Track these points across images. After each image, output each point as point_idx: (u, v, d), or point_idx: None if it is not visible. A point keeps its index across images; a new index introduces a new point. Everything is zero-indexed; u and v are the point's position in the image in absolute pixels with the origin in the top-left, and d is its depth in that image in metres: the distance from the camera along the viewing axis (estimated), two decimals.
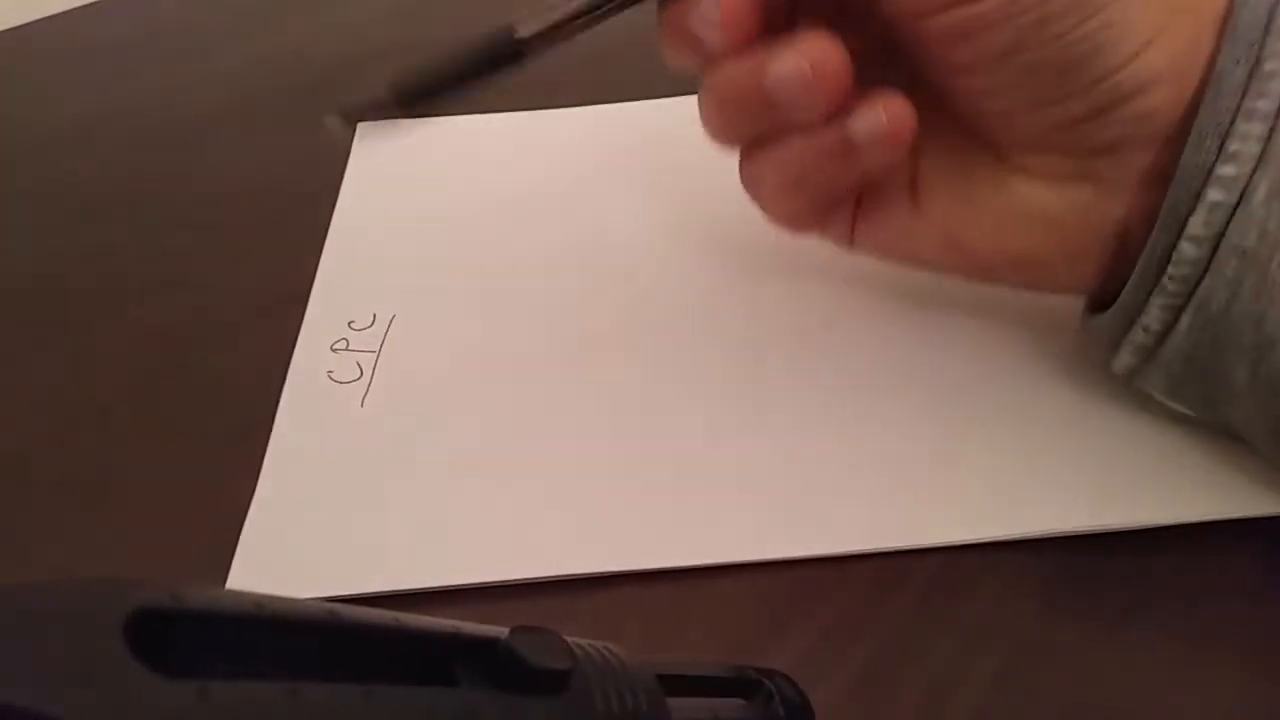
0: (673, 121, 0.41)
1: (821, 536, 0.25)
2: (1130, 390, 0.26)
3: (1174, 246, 0.23)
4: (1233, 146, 0.22)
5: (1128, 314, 0.24)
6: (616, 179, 0.38)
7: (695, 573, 0.24)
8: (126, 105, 0.47)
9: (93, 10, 0.57)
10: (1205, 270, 0.22)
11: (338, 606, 0.13)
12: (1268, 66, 0.21)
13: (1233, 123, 0.22)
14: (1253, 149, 0.21)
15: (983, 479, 0.26)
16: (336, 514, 0.26)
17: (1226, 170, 0.22)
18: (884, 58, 0.25)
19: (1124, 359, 0.25)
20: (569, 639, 0.15)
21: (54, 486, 0.28)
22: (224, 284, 0.35)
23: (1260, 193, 0.22)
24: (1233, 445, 0.25)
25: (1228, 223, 0.22)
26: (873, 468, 0.26)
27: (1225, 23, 0.22)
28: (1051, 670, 0.22)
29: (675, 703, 0.16)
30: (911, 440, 0.27)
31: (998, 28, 0.22)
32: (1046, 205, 0.25)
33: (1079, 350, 0.29)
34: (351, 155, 0.41)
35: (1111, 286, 0.25)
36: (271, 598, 0.12)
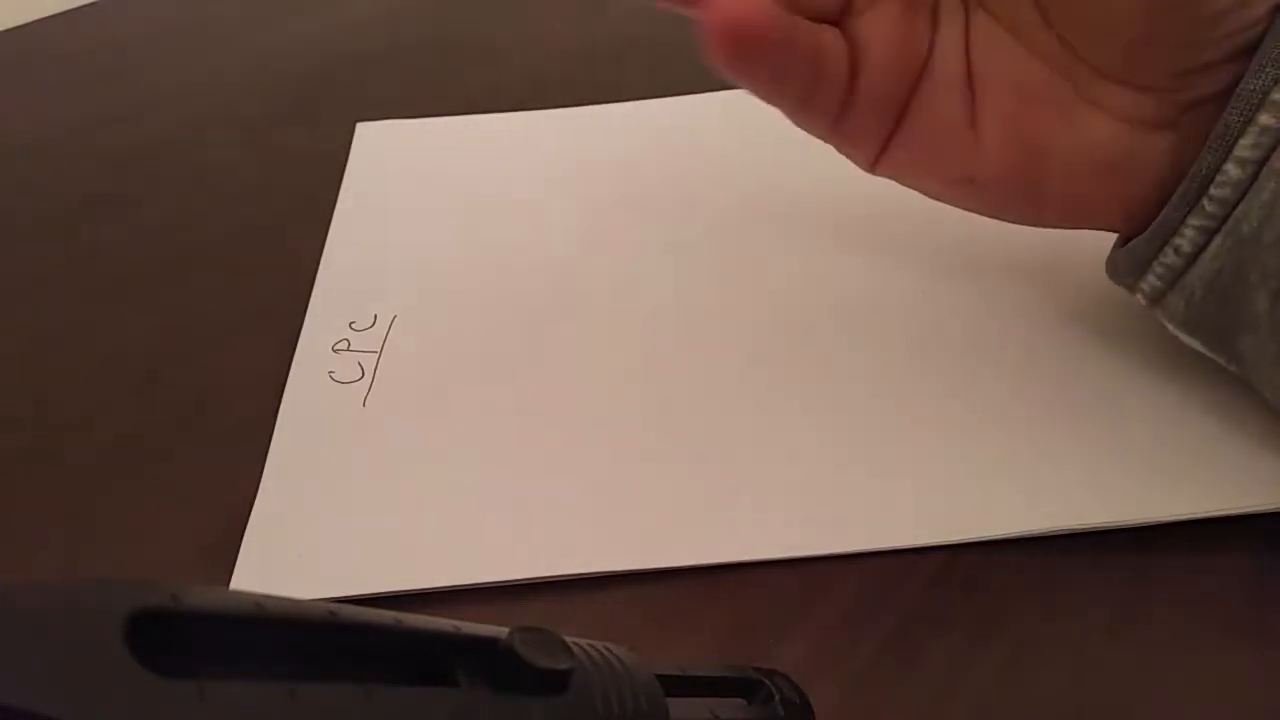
0: (672, 122, 0.41)
1: (822, 536, 0.25)
2: (1151, 317, 0.26)
3: (1219, 168, 0.23)
4: None
5: (1162, 235, 0.24)
6: (615, 179, 0.38)
7: (696, 572, 0.24)
8: (126, 105, 0.48)
9: (93, 10, 0.57)
10: (1245, 193, 0.23)
11: (338, 606, 0.13)
12: None
13: None
14: None
15: (979, 479, 0.26)
16: (339, 514, 0.26)
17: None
18: None
19: (1150, 281, 0.25)
20: (569, 639, 0.15)
21: (54, 486, 0.28)
22: (224, 284, 0.35)
23: None
24: (1228, 440, 0.26)
25: (1274, 147, 0.22)
26: (873, 467, 0.26)
27: None
28: (1051, 670, 0.22)
29: (675, 703, 0.16)
30: (912, 440, 0.27)
31: None
32: (1120, 147, 0.24)
33: (1070, 352, 0.29)
34: (351, 155, 0.41)
35: (1149, 220, 0.25)
36: (271, 598, 0.12)
